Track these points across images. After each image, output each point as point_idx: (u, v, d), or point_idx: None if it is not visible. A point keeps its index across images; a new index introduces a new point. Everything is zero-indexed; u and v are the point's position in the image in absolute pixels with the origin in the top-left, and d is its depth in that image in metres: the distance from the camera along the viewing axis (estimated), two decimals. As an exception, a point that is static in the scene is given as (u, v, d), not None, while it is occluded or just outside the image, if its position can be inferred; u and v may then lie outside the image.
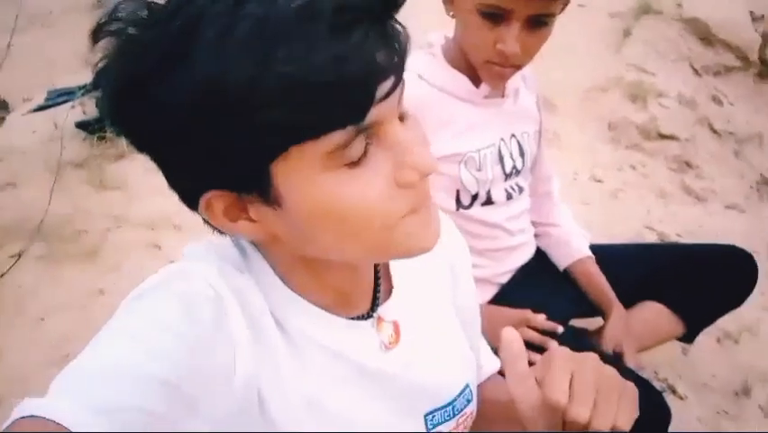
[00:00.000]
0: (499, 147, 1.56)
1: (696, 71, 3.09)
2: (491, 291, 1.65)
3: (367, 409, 0.83)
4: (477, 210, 1.54)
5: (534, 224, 1.73)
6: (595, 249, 1.73)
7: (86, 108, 2.41)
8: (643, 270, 1.72)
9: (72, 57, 3.20)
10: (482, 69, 1.45)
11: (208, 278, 0.72)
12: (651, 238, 2.42)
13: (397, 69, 0.67)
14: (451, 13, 1.44)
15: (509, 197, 1.59)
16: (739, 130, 3.04)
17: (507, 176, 1.57)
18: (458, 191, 1.51)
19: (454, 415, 0.91)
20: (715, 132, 2.97)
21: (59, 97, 2.42)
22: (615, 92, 2.89)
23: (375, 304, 0.86)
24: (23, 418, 0.58)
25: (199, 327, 0.68)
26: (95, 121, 2.39)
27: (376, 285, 0.88)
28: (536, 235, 1.74)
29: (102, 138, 2.46)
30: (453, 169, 1.50)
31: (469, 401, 0.94)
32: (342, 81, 0.62)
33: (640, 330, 1.68)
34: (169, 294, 0.70)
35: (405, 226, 0.72)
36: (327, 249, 0.74)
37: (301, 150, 0.65)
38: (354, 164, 0.67)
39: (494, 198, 1.55)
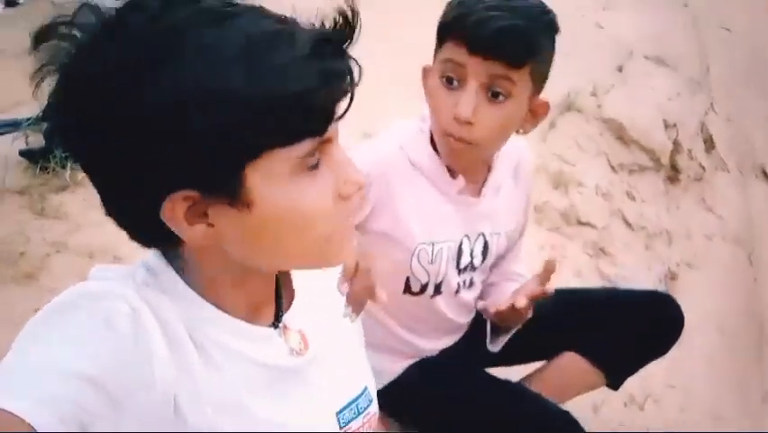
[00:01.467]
0: (460, 243, 1.52)
1: (612, 167, 3.30)
2: (407, 363, 1.65)
3: (283, 411, 0.88)
4: (424, 298, 1.54)
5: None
6: None
7: (31, 138, 2.42)
8: (566, 316, 1.69)
9: (19, 89, 3.18)
10: (441, 143, 1.42)
11: (123, 294, 0.75)
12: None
13: (352, 95, 0.77)
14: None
15: (457, 291, 1.57)
16: (650, 225, 3.24)
17: (461, 270, 1.55)
18: (408, 278, 1.50)
19: (359, 413, 0.97)
20: (628, 224, 3.16)
21: (3, 128, 2.41)
22: (540, 178, 3.06)
23: (279, 313, 0.92)
24: None
25: (118, 338, 0.72)
26: (39, 151, 2.39)
27: (278, 294, 0.93)
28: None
29: (45, 169, 2.45)
30: (405, 256, 1.47)
31: (370, 402, 1.00)
32: (320, 98, 0.73)
33: (559, 382, 1.72)
34: (87, 310, 0.73)
35: (338, 235, 0.82)
36: (275, 253, 0.81)
37: (274, 155, 0.73)
38: (311, 173, 0.77)
39: (443, 288, 1.54)
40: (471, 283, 1.60)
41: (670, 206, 3.42)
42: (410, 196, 1.44)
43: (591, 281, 2.81)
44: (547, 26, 1.36)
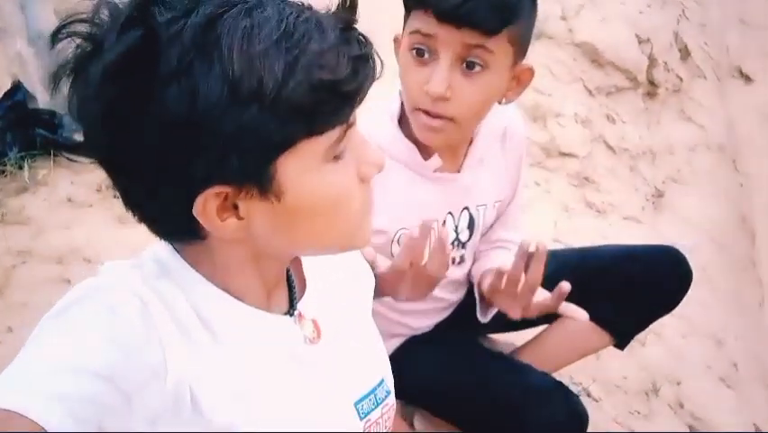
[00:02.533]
0: (444, 221, 1.46)
1: (589, 92, 3.24)
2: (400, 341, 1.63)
3: (299, 400, 0.87)
4: None
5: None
6: None
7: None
8: (568, 278, 1.54)
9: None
10: (412, 120, 1.31)
11: (131, 286, 0.75)
12: (560, 249, 2.52)
13: (372, 77, 0.78)
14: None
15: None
16: (632, 146, 3.20)
17: None
18: None
19: (378, 404, 0.97)
20: (610, 148, 3.13)
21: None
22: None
23: (292, 301, 0.91)
24: None
25: (127, 332, 0.72)
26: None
27: (290, 282, 0.93)
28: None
29: (1, 172, 2.39)
30: (385, 243, 1.39)
31: (388, 393, 1.00)
32: (352, 85, 0.74)
33: (564, 345, 1.69)
34: (94, 304, 0.73)
35: (362, 218, 0.84)
36: (304, 241, 0.82)
37: (306, 144, 0.74)
38: (337, 158, 0.78)
39: None
40: (462, 260, 1.55)
41: (650, 122, 3.37)
42: (382, 184, 1.38)
43: (579, 213, 2.79)
44: None
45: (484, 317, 1.55)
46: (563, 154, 2.95)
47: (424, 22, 1.23)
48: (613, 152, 3.10)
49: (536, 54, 3.36)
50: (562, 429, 1.43)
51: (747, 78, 4.58)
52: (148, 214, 0.78)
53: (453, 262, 1.53)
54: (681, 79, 3.68)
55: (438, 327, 1.66)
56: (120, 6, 0.71)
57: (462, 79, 1.23)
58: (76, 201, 2.44)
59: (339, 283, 0.99)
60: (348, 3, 0.77)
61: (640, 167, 3.15)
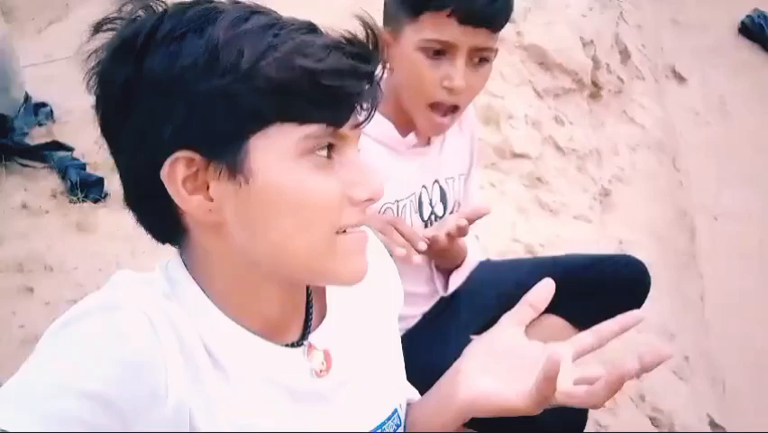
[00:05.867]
0: (420, 195, 1.53)
1: (538, 94, 3.32)
2: None
3: None
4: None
5: None
6: (489, 266, 1.77)
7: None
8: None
9: None
10: (422, 117, 1.41)
11: (140, 304, 0.75)
12: (519, 249, 2.59)
13: (373, 108, 0.78)
14: (387, 65, 1.39)
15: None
16: (580, 147, 3.30)
17: (426, 223, 1.55)
18: None
19: None
20: (559, 149, 3.21)
21: None
22: (471, 116, 3.08)
23: (307, 330, 0.89)
24: None
25: (131, 352, 0.71)
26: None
27: (308, 311, 0.90)
28: None
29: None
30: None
31: (398, 426, 0.97)
32: (342, 83, 0.73)
33: (538, 339, 1.73)
34: (100, 322, 0.72)
35: (344, 242, 0.80)
36: (273, 242, 0.78)
37: (282, 130, 0.74)
38: (320, 164, 0.76)
39: None
40: None
41: (595, 124, 3.48)
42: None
43: (534, 214, 2.86)
44: None
45: (444, 291, 1.63)
46: (516, 155, 3.02)
47: (440, 26, 1.31)
48: (562, 153, 3.19)
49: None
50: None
51: (681, 78, 4.77)
52: (134, 196, 0.79)
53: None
54: (622, 81, 3.80)
55: (426, 318, 1.68)
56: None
57: (472, 73, 1.34)
58: (31, 208, 2.38)
59: (364, 304, 0.96)
60: (370, 36, 0.77)
61: (587, 167, 3.24)
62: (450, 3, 1.29)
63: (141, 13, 0.75)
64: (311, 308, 0.90)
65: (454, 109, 1.39)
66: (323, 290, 0.93)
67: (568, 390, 0.86)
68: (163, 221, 0.80)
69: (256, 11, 0.75)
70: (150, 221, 0.81)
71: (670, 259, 3.25)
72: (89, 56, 0.75)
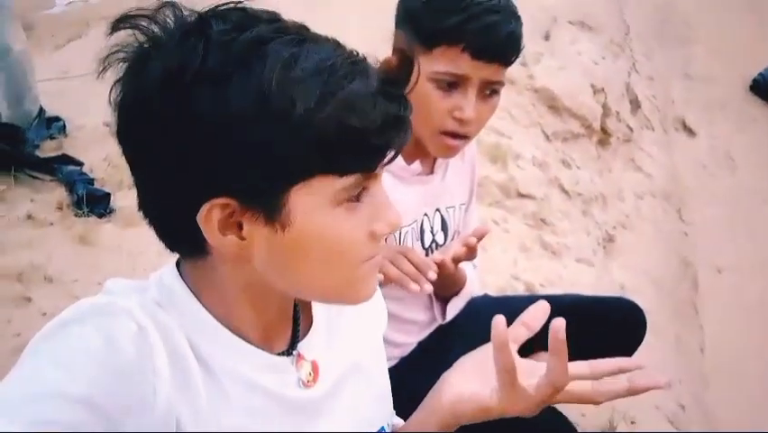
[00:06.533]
0: (422, 222, 1.55)
1: (547, 136, 3.35)
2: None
3: None
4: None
5: None
6: (487, 300, 1.76)
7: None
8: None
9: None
10: (433, 142, 1.43)
11: (131, 311, 0.75)
12: (519, 287, 2.59)
13: (403, 143, 0.79)
14: None
15: None
16: (585, 191, 3.31)
17: (427, 251, 1.56)
18: None
19: None
20: (565, 192, 3.22)
21: None
22: (478, 153, 3.10)
23: (295, 340, 0.89)
24: None
25: (120, 358, 0.71)
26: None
27: (295, 321, 0.91)
28: None
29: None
30: None
31: None
32: (381, 137, 0.74)
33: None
34: (91, 326, 0.72)
35: (362, 270, 0.81)
36: (301, 281, 0.80)
37: (322, 181, 0.74)
38: (351, 208, 0.78)
39: None
40: None
41: (602, 169, 3.50)
42: None
43: (536, 253, 2.86)
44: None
45: (443, 319, 1.63)
46: (521, 195, 3.03)
47: (454, 60, 1.34)
48: (568, 196, 3.20)
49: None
50: None
51: (690, 131, 4.79)
52: (156, 216, 0.79)
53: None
54: (631, 129, 3.83)
55: (422, 348, 1.67)
56: (183, 12, 0.75)
57: (482, 105, 1.37)
58: (36, 219, 2.40)
59: (350, 319, 0.97)
60: (405, 65, 0.79)
61: (592, 211, 3.25)
62: (464, 38, 1.32)
63: (168, 13, 0.74)
64: (299, 318, 0.91)
65: (464, 137, 1.42)
66: (308, 301, 0.93)
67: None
68: (185, 243, 0.80)
69: (302, 39, 0.74)
70: (169, 237, 0.81)
71: (671, 308, 3.24)
72: (105, 66, 0.74)
